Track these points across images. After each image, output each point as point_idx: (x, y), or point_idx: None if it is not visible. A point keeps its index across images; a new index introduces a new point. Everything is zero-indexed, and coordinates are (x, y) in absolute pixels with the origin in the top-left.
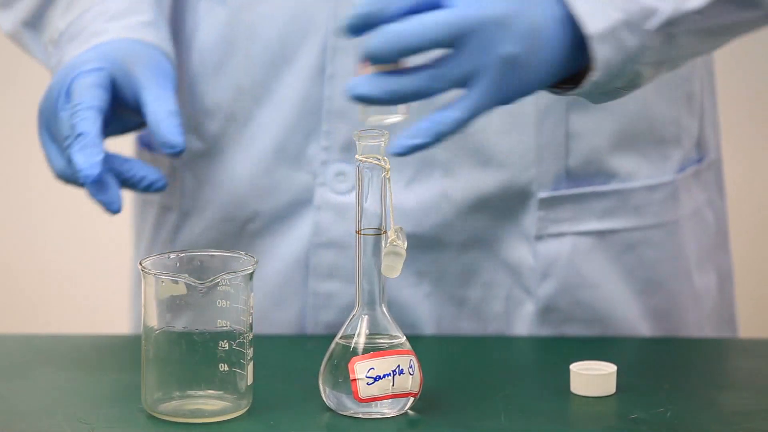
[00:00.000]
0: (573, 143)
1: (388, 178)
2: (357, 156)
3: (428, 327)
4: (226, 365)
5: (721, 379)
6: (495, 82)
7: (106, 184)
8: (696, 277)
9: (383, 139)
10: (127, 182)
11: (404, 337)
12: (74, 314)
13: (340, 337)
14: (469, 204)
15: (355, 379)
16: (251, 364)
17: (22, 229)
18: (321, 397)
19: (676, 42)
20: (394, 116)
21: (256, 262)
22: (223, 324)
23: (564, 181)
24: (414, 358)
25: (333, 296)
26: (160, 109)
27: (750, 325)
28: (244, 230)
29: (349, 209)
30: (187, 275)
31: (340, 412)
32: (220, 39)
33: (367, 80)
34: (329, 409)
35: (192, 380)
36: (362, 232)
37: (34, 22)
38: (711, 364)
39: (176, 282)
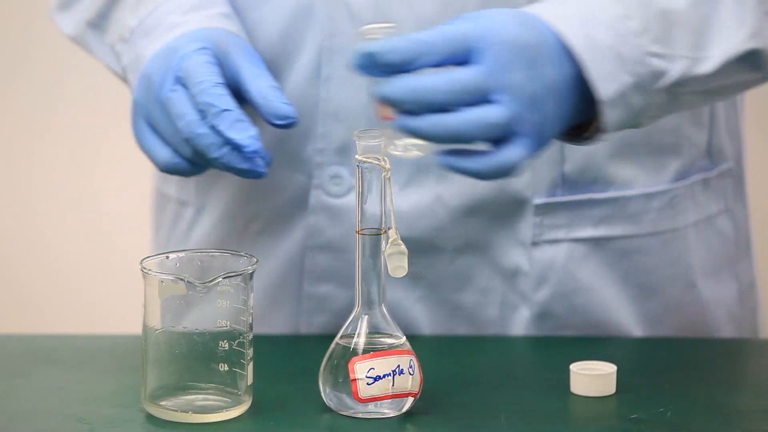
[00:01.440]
0: (568, 150)
1: (389, 178)
2: (357, 156)
3: (423, 330)
4: (226, 365)
5: (722, 379)
6: (536, 131)
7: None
8: (703, 285)
9: (382, 139)
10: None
11: (404, 338)
12: (74, 314)
13: (340, 337)
14: (463, 209)
15: (355, 379)
16: (251, 364)
17: (22, 229)
18: (321, 397)
19: (679, 100)
20: (416, 152)
21: (257, 263)
22: (223, 324)
23: (560, 188)
24: (414, 358)
25: (327, 299)
26: (263, 84)
27: None
28: (247, 229)
29: (344, 212)
30: (187, 275)
31: (340, 412)
32: None
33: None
34: (329, 409)
35: (192, 380)
36: (362, 232)
37: (99, 22)
38: (711, 364)
39: (176, 282)
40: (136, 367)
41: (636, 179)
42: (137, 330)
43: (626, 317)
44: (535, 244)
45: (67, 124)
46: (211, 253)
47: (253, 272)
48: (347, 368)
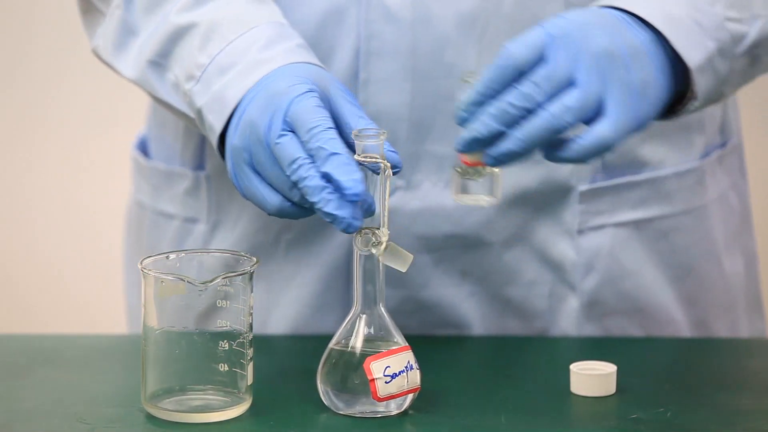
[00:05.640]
0: None
1: (388, 176)
2: (356, 156)
3: (474, 327)
4: (226, 365)
5: (721, 379)
6: (624, 105)
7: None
8: (725, 260)
9: (382, 138)
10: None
11: (400, 336)
12: (74, 314)
13: (336, 342)
14: (510, 200)
15: (373, 379)
16: (251, 364)
17: (21, 229)
18: (321, 397)
19: (760, 63)
20: (488, 198)
21: (257, 263)
22: (223, 324)
23: (600, 173)
24: (412, 354)
25: None
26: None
27: None
28: (280, 240)
29: (392, 213)
30: (187, 275)
31: (346, 413)
32: None
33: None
34: (329, 409)
35: (192, 380)
36: (362, 232)
37: (160, 60)
38: (711, 364)
39: (176, 282)
40: (136, 367)
41: (667, 159)
42: (137, 330)
43: (667, 299)
44: (580, 231)
45: (65, 125)
46: (211, 253)
47: (253, 272)
48: (362, 369)
